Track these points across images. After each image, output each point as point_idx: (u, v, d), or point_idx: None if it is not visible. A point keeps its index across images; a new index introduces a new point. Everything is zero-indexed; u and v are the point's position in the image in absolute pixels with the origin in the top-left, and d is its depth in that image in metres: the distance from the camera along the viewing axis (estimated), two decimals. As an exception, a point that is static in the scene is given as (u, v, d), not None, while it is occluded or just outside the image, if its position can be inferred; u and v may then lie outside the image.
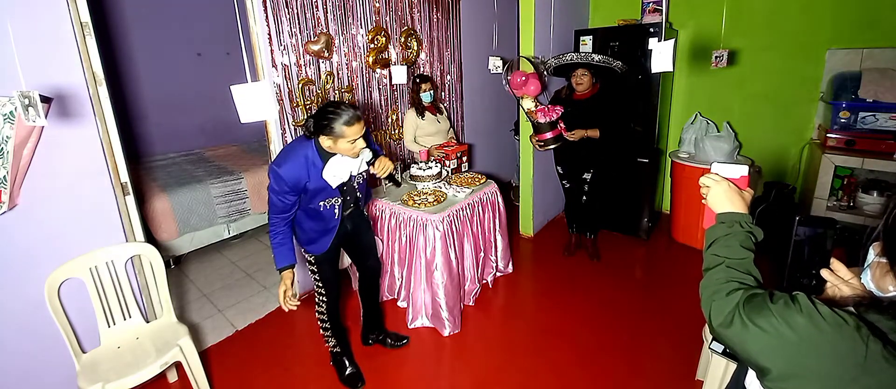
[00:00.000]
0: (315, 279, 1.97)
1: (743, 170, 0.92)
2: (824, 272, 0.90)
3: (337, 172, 1.71)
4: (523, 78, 2.71)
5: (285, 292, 1.71)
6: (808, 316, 0.66)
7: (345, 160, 1.71)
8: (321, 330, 2.08)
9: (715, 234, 0.86)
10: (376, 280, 2.26)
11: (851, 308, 0.71)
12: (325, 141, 1.63)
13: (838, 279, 0.87)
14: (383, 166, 1.78)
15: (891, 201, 0.74)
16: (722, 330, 0.74)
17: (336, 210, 1.81)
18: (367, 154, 1.73)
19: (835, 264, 0.89)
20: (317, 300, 2.03)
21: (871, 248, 0.78)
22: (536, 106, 2.71)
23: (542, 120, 2.66)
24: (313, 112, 1.69)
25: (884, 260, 0.73)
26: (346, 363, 2.10)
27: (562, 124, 2.71)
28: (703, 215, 0.95)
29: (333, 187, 1.74)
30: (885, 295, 0.73)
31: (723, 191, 0.89)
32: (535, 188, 3.59)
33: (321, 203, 1.77)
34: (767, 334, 0.68)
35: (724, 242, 0.84)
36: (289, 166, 1.64)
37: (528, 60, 2.78)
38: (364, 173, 1.88)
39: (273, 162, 1.68)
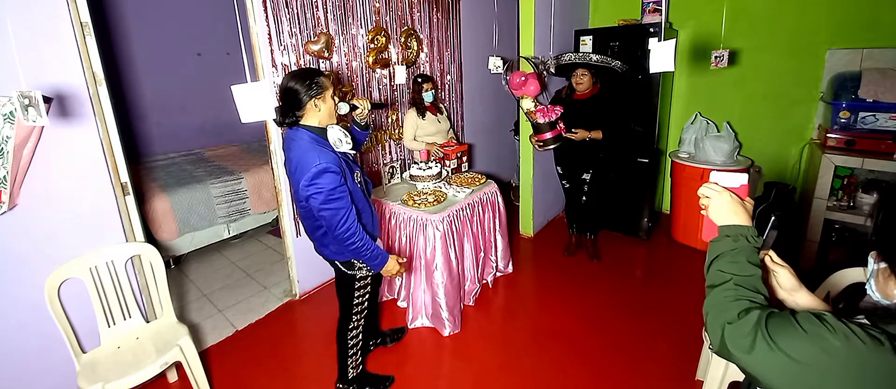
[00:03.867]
0: (360, 296, 1.84)
1: (742, 179, 0.89)
2: (766, 259, 0.91)
3: (338, 137, 1.62)
4: (522, 78, 2.70)
5: (399, 266, 1.75)
6: (844, 337, 0.61)
7: (335, 128, 1.63)
8: (349, 353, 1.94)
9: (720, 248, 0.82)
10: (377, 286, 2.25)
11: (864, 320, 0.68)
12: (314, 110, 1.58)
13: (774, 263, 0.89)
14: (362, 102, 1.84)
15: (874, 207, 0.73)
16: (743, 356, 0.67)
17: (369, 184, 1.83)
18: (344, 107, 1.74)
19: (770, 252, 0.91)
20: (352, 322, 1.89)
21: (869, 258, 0.76)
22: (536, 106, 2.71)
23: (541, 120, 2.66)
24: (283, 101, 1.60)
25: (884, 265, 0.71)
26: (376, 376, 2.08)
27: (561, 124, 2.71)
28: (702, 226, 0.91)
29: (346, 150, 1.65)
30: (893, 303, 0.71)
31: (725, 202, 0.85)
32: (535, 188, 3.59)
33: (356, 178, 1.70)
34: (797, 362, 0.62)
35: (730, 257, 0.79)
36: (321, 153, 1.53)
37: (527, 60, 2.78)
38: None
39: (313, 166, 1.49)
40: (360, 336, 1.96)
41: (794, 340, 0.63)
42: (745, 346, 0.67)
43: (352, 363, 1.98)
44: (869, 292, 0.76)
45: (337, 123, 1.66)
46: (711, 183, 0.89)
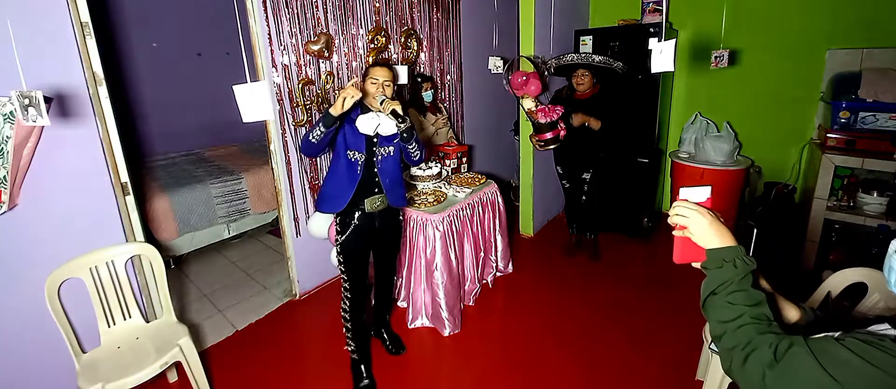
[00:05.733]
0: (341, 269, 1.99)
1: (707, 191, 0.86)
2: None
3: (365, 121, 1.81)
4: (524, 78, 2.70)
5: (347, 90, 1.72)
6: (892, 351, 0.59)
7: (373, 116, 1.81)
8: (344, 330, 2.06)
9: (721, 277, 0.78)
10: (388, 281, 2.26)
11: (891, 330, 0.66)
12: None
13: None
14: (387, 103, 1.83)
15: None
16: None
17: (359, 167, 1.88)
18: (380, 97, 1.84)
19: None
20: (342, 295, 2.03)
21: (894, 254, 0.71)
22: (537, 106, 2.71)
23: (542, 120, 2.66)
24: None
25: None
26: (364, 372, 2.08)
27: (562, 124, 2.72)
28: (676, 246, 0.86)
29: (361, 130, 1.82)
30: None
31: (708, 223, 0.81)
32: (535, 188, 3.59)
33: (349, 153, 1.87)
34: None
35: (735, 285, 0.76)
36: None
37: (528, 59, 2.78)
38: (390, 150, 1.93)
39: None
40: (349, 313, 2.02)
41: (854, 370, 0.60)
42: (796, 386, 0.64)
43: (347, 336, 2.06)
44: (893, 290, 0.72)
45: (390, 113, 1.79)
46: (682, 201, 0.85)
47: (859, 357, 0.61)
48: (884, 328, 0.68)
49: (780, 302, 0.91)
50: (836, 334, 0.68)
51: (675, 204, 0.86)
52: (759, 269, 0.87)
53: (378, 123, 1.82)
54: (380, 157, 1.91)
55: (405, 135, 1.84)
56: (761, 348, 0.68)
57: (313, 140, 1.75)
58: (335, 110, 1.68)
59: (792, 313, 0.90)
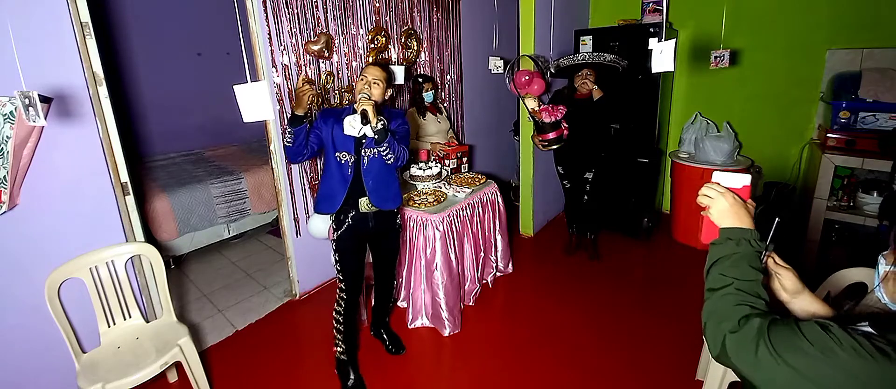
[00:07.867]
0: (337, 269, 2.00)
1: (745, 179, 0.86)
2: (769, 261, 0.88)
3: (350, 122, 1.84)
4: (528, 77, 2.70)
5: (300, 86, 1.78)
6: (852, 350, 0.59)
7: (358, 117, 1.79)
8: (334, 330, 2.07)
9: (721, 251, 0.79)
10: (387, 282, 2.26)
11: (868, 328, 0.66)
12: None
13: (777, 266, 0.86)
14: (362, 101, 1.78)
15: (883, 207, 0.72)
16: (745, 368, 0.66)
17: (350, 168, 1.90)
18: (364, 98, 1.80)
19: (773, 255, 0.88)
20: (337, 296, 2.05)
21: (881, 258, 0.73)
22: (540, 106, 2.71)
23: (546, 120, 2.66)
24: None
25: (894, 268, 0.69)
26: (351, 373, 2.08)
27: (565, 124, 2.71)
28: (702, 227, 0.88)
29: (346, 132, 1.84)
30: None
31: (729, 204, 0.82)
32: (535, 188, 3.59)
33: (338, 154, 1.89)
34: (802, 375, 0.60)
35: (732, 261, 0.77)
36: (324, 111, 1.93)
37: (530, 58, 2.78)
38: (375, 151, 1.89)
39: None
40: (343, 314, 2.03)
41: (800, 353, 0.61)
42: (748, 358, 0.65)
43: (338, 338, 2.06)
44: (878, 295, 0.73)
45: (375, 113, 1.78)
46: (713, 183, 0.86)
47: (812, 345, 0.61)
48: (862, 325, 0.68)
49: (805, 297, 0.88)
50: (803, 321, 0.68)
51: (705, 186, 0.87)
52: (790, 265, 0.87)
53: (354, 123, 1.83)
54: (366, 158, 1.90)
55: (377, 137, 1.77)
56: (731, 316, 0.70)
57: (287, 143, 1.83)
58: (297, 110, 1.75)
59: (815, 308, 0.87)
